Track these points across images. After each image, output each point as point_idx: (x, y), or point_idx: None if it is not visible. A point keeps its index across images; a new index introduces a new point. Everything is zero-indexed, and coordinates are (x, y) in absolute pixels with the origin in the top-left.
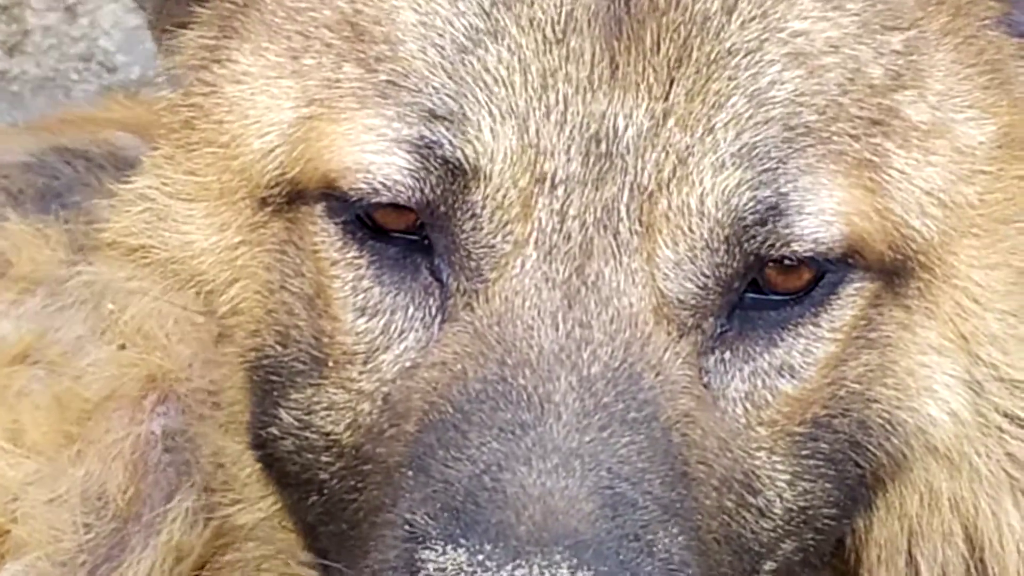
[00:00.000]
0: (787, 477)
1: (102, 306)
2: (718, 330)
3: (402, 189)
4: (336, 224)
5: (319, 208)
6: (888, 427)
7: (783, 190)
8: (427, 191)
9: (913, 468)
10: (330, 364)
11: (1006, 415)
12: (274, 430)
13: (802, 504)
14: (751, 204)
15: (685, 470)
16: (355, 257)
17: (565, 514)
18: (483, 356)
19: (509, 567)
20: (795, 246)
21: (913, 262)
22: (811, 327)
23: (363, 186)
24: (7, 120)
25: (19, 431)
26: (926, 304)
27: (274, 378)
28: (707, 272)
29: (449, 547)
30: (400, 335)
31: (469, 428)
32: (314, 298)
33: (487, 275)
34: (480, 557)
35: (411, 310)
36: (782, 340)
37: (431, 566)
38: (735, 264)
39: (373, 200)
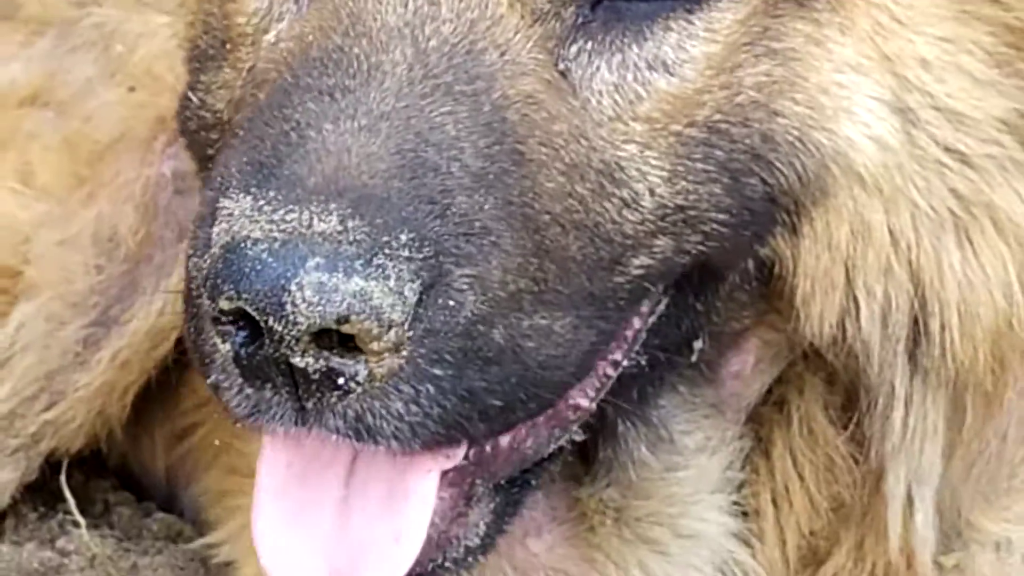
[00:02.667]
0: (664, 174)
1: (112, 48)
2: (579, 19)
3: None
4: None
5: None
6: (800, 145)
7: None
8: None
9: (838, 195)
10: (228, 47)
11: (947, 149)
12: (187, 112)
13: (681, 203)
14: None
15: (519, 148)
16: None
17: (357, 170)
18: (331, 29)
19: (282, 211)
20: None
21: None
22: (683, 23)
23: None
24: None
25: (29, 173)
26: (839, 19)
27: (196, 64)
28: None
29: (241, 195)
30: (279, 16)
31: (295, 91)
32: None
33: None
34: (261, 203)
35: None
36: (652, 33)
37: (224, 212)
38: None
39: None
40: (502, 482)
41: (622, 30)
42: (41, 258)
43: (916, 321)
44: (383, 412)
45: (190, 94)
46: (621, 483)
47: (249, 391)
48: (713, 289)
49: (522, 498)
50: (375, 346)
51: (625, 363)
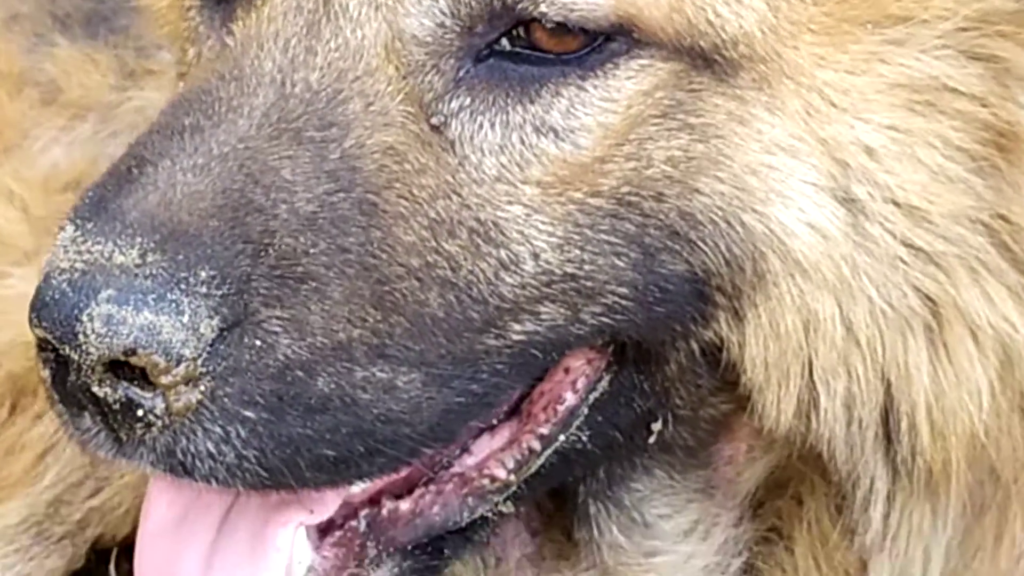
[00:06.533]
0: (554, 240)
1: None
2: (461, 73)
3: None
4: None
5: None
6: (726, 225)
7: None
8: None
9: (779, 283)
10: None
11: (908, 245)
12: None
13: (572, 271)
14: None
15: (370, 198)
16: None
17: (179, 206)
18: (214, 71)
19: (90, 243)
20: (544, 7)
21: (731, 51)
22: (576, 90)
23: None
24: None
25: None
26: (765, 98)
27: None
28: (446, 9)
29: (69, 225)
30: (198, 57)
31: (156, 129)
32: None
33: (256, 2)
34: (77, 234)
35: (211, 39)
36: (539, 97)
37: (58, 241)
38: (476, 4)
39: None
40: (409, 548)
41: (507, 90)
42: None
43: (887, 419)
44: (193, 449)
45: None
46: (599, 567)
47: (73, 419)
48: (657, 369)
49: (436, 566)
50: (164, 380)
51: (562, 439)
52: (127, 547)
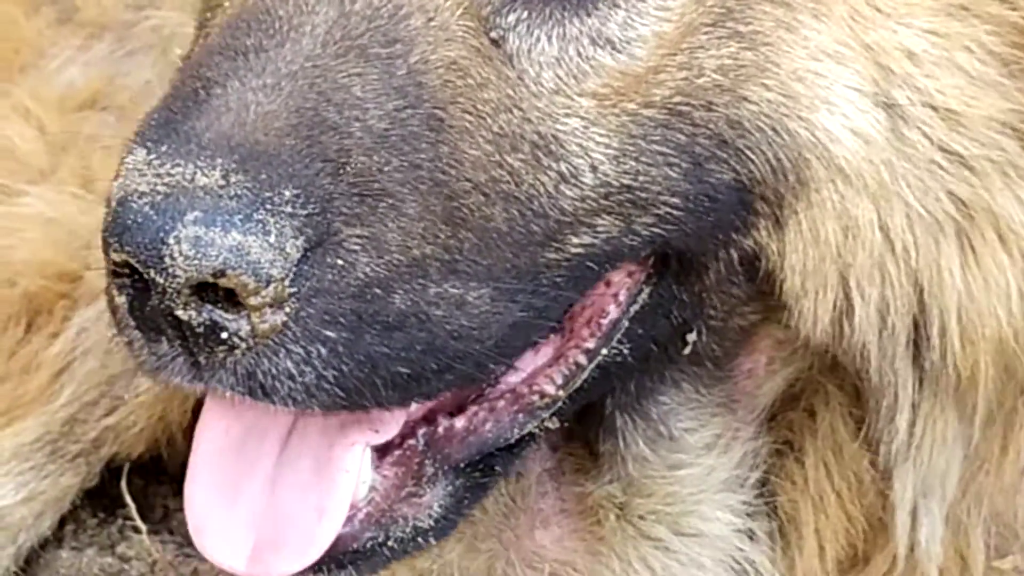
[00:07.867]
0: (610, 152)
1: (170, 51)
2: None
3: None
4: None
5: None
6: (772, 133)
7: None
8: None
9: (820, 189)
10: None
11: (942, 149)
12: None
13: (628, 182)
14: None
15: (437, 113)
16: None
17: (253, 126)
18: None
19: (169, 165)
20: None
21: None
22: (634, 0)
23: None
24: None
25: (90, 177)
26: (812, 4)
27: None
28: None
29: (139, 149)
30: None
31: (218, 50)
32: None
33: None
34: (152, 157)
35: None
36: (596, 9)
37: (124, 166)
38: None
39: None
40: (462, 466)
41: (563, 2)
42: (102, 263)
43: (918, 325)
44: (274, 371)
45: None
46: (623, 480)
47: (149, 344)
48: (696, 279)
49: (486, 483)
50: (254, 301)
51: (604, 352)
52: (139, 464)
